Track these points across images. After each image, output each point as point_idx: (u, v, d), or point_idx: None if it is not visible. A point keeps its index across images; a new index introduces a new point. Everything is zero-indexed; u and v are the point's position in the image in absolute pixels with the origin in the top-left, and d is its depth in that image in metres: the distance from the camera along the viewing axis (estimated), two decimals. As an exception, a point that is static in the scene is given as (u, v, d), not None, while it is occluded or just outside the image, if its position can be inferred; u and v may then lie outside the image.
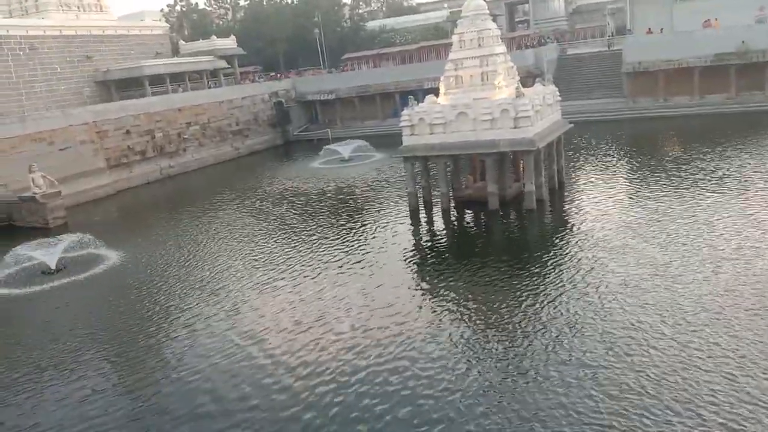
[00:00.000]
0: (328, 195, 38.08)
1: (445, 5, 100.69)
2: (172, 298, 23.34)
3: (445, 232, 28.56)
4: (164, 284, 24.98)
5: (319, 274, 23.85)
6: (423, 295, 20.96)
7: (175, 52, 76.11)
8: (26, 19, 60.17)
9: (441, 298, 20.34)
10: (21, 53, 56.10)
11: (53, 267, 27.80)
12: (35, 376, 18.14)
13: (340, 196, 37.34)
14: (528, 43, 67.32)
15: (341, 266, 24.36)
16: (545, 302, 18.84)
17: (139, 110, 51.84)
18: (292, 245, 28.07)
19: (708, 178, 30.73)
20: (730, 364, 14.34)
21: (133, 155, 50.25)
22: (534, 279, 20.79)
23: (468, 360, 15.98)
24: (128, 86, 64.09)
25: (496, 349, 16.38)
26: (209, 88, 68.13)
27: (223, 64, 74.00)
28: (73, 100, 59.71)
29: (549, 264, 22.14)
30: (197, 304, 22.29)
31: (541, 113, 29.55)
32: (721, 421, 12.43)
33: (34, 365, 18.84)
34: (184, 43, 79.00)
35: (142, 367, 18.05)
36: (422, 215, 30.79)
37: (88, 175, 45.59)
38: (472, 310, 19.04)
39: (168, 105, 55.09)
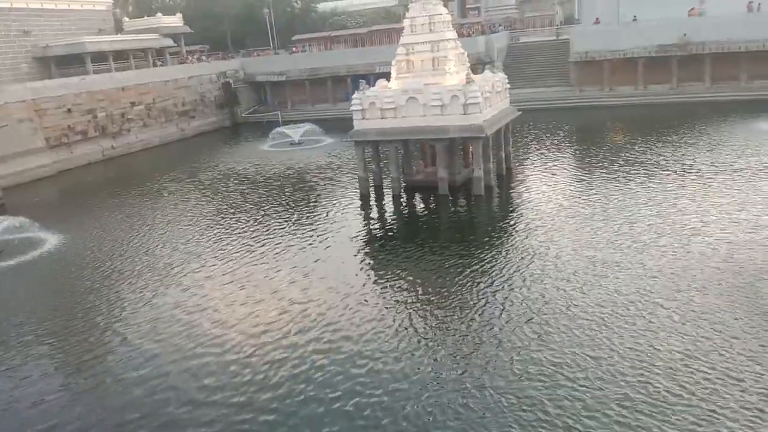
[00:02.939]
0: (277, 178, 37.69)
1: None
2: (114, 282, 22.76)
3: (395, 216, 28.73)
4: (106, 268, 24.31)
5: (266, 257, 23.66)
6: (371, 279, 21.04)
7: (119, 29, 73.62)
8: (-42, -10, 57.12)
9: (389, 282, 20.47)
10: (-48, 25, 53.27)
11: (-12, 250, 26.73)
12: (-31, 363, 17.48)
13: (290, 180, 37.01)
14: (478, 31, 67.84)
15: (289, 250, 24.22)
16: (492, 287, 19.21)
17: (82, 88, 49.98)
18: (239, 229, 27.72)
19: (650, 165, 31.83)
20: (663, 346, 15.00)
21: (74, 135, 48.47)
22: (482, 264, 21.16)
23: (413, 346, 16.11)
24: (69, 63, 61.64)
25: (442, 335, 16.60)
26: (154, 66, 66.15)
27: (169, 42, 72.01)
28: (10, 76, 57.07)
29: (496, 249, 22.59)
30: (139, 288, 21.81)
31: (490, 100, 29.92)
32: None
33: (-32, 352, 18.14)
34: (128, 19, 76.49)
35: (82, 352, 17.59)
36: (373, 200, 30.90)
37: (26, 154, 43.77)
38: (420, 295, 19.27)
39: (111, 84, 53.26)
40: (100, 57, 62.67)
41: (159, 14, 75.15)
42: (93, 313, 20.25)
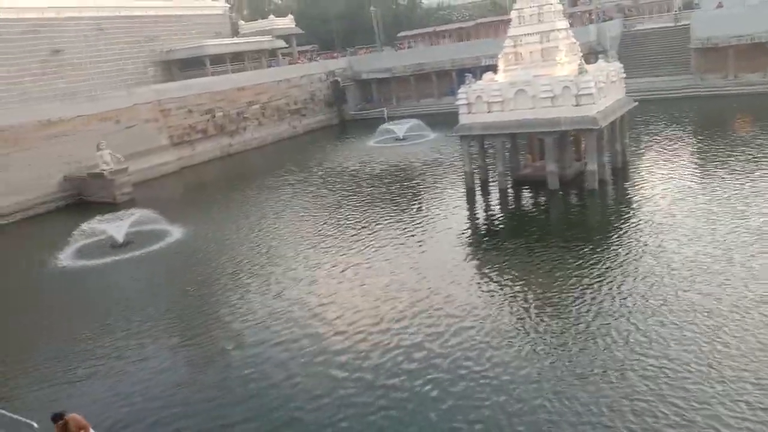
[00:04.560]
0: (383, 174, 38.18)
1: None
2: (232, 272, 23.99)
3: (501, 212, 28.25)
4: (224, 259, 25.70)
5: (374, 252, 24.04)
6: (478, 277, 20.81)
7: (234, 32, 77.26)
8: (95, 2, 62.07)
9: (497, 281, 20.18)
10: (91, 34, 58.09)
11: (121, 240, 28.97)
12: (106, 343, 19.06)
13: (395, 176, 37.38)
14: (590, 19, 65.20)
15: (395, 246, 24.44)
16: (607, 288, 18.36)
17: (202, 89, 53.09)
18: (348, 223, 28.35)
19: (782, 158, 29.32)
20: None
21: (195, 133, 51.57)
22: (596, 263, 20.31)
23: (521, 346, 15.80)
24: (190, 66, 65.54)
25: (552, 337, 16.14)
26: (268, 67, 68.93)
27: (281, 43, 74.72)
28: (138, 79, 61.53)
29: (611, 247, 21.62)
30: (255, 278, 22.87)
31: (604, 90, 28.70)
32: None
33: (104, 333, 19.79)
34: (243, 23, 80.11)
35: (203, 337, 18.71)
36: (478, 195, 30.54)
37: (152, 152, 47.09)
38: (529, 295, 18.78)
39: (229, 84, 56.18)
40: (218, 59, 66.14)
41: (272, 16, 78.21)
42: (213, 302, 21.48)
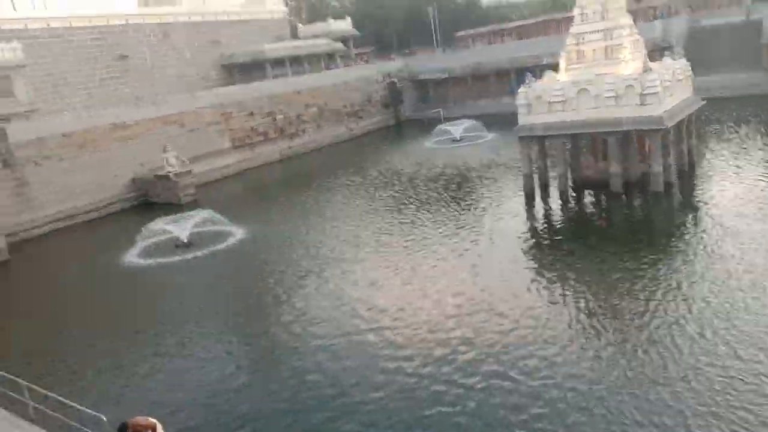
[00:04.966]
0: (440, 176, 37.99)
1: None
2: (292, 273, 24.35)
3: (562, 215, 27.66)
4: (284, 260, 26.13)
5: (430, 253, 23.96)
6: (536, 281, 20.40)
7: (294, 35, 78.47)
8: (160, 8, 64.30)
9: (556, 285, 19.76)
10: (155, 40, 60.15)
11: (185, 240, 29.84)
12: (169, 341, 19.66)
13: (452, 177, 37.14)
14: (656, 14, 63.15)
15: (453, 249, 24.29)
16: (674, 297, 17.66)
17: (263, 93, 54.17)
18: (405, 225, 28.34)
19: None
20: None
21: (255, 136, 52.66)
22: (660, 269, 19.63)
23: (580, 355, 15.42)
24: (251, 70, 66.96)
25: (615, 346, 15.67)
26: (327, 70, 69.70)
27: (339, 46, 75.43)
28: (201, 83, 63.27)
29: (676, 253, 20.86)
30: (315, 277, 23.14)
31: (670, 89, 27.72)
32: None
33: (168, 331, 20.42)
34: (302, 26, 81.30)
35: (264, 337, 19.06)
36: (538, 198, 29.98)
37: (215, 155, 48.35)
38: (591, 300, 18.31)
39: (288, 87, 57.12)
40: (278, 63, 67.32)
41: (330, 19, 79.06)
42: (274, 302, 21.86)
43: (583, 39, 29.11)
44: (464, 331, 17.24)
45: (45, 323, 23.05)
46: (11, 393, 14.06)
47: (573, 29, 29.59)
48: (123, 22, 57.47)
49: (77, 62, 53.55)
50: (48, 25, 51.62)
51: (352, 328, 18.48)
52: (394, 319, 18.66)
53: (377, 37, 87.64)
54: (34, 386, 13.72)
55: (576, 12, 29.65)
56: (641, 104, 26.32)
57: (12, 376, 14.13)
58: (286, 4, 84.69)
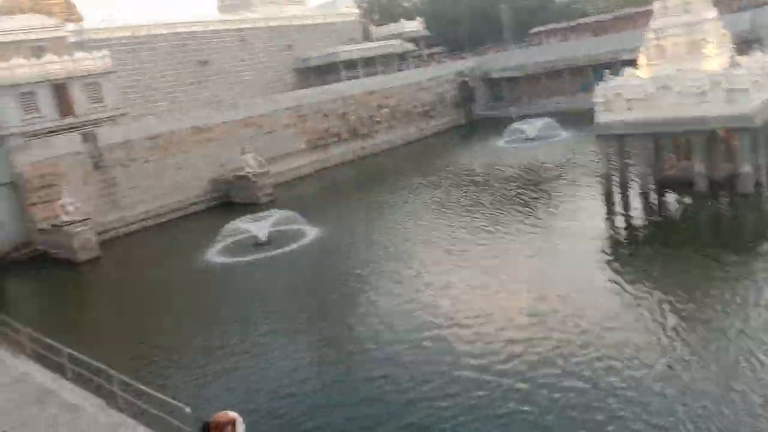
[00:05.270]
0: (513, 175, 37.54)
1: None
2: (366, 273, 24.71)
3: (643, 217, 26.77)
4: (358, 259, 26.56)
5: (503, 255, 23.78)
6: (616, 286, 19.84)
7: (366, 37, 79.27)
8: (238, 14, 66.46)
9: (636, 290, 19.15)
10: (234, 46, 62.22)
11: (263, 239, 30.78)
12: (247, 337, 20.38)
13: (526, 177, 36.62)
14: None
15: (528, 252, 23.96)
16: (760, 303, 16.86)
17: (336, 95, 55.10)
18: (478, 227, 28.18)
19: None
20: None
21: (330, 137, 53.61)
22: (752, 277, 18.68)
23: (667, 365, 14.91)
24: (325, 72, 68.17)
25: (701, 358, 15.08)
26: (399, 71, 70.08)
27: (410, 46, 75.65)
28: (277, 86, 64.95)
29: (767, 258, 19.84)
30: (387, 281, 23.37)
31: (760, 85, 26.35)
32: None
33: (246, 328, 21.17)
34: (374, 28, 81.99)
35: (339, 337, 19.44)
36: (617, 198, 29.09)
37: (291, 155, 49.60)
38: (673, 310, 17.51)
39: (361, 89, 57.82)
40: (350, 64, 68.24)
41: (401, 20, 79.41)
42: (348, 302, 22.24)
43: (664, 33, 28.09)
44: (538, 333, 17.05)
45: (132, 316, 24.42)
46: (102, 380, 15.00)
47: (653, 24, 28.61)
48: (203, 29, 59.73)
49: (161, 68, 56.09)
50: (134, 33, 54.34)
51: (425, 330, 18.58)
52: (466, 322, 18.63)
53: (449, 37, 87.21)
54: (122, 376, 14.60)
55: (656, 5, 28.66)
56: (728, 101, 25.15)
57: (103, 366, 15.09)
58: (358, 7, 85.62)
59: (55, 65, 41.76)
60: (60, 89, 41.82)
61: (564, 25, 74.35)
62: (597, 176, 31.09)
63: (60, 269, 33.44)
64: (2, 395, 15.25)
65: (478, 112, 67.35)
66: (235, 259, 29.10)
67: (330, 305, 22.02)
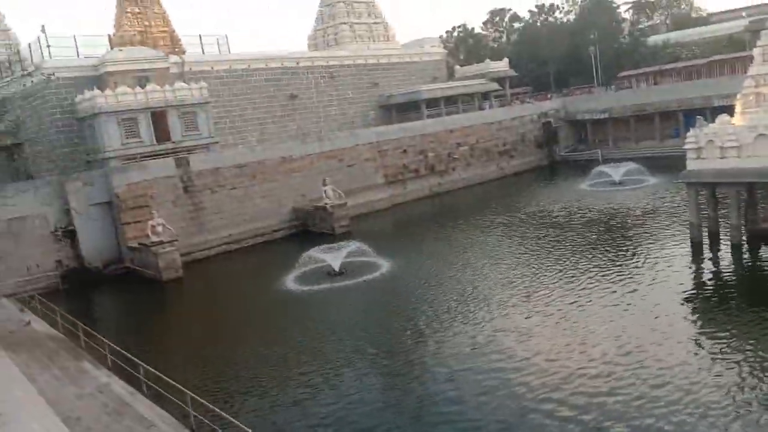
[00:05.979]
0: (597, 220, 36.47)
1: (743, 14, 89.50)
2: (440, 310, 24.46)
3: (733, 269, 25.34)
4: (431, 296, 26.37)
5: (581, 302, 22.95)
6: (698, 342, 18.77)
7: (450, 75, 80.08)
8: (327, 52, 68.82)
9: (717, 346, 18.07)
10: (322, 81, 64.33)
11: (337, 269, 31.22)
12: (319, 368, 20.55)
13: (610, 222, 35.49)
14: None
15: (608, 297, 23.11)
16: None
17: (416, 132, 55.71)
18: (555, 269, 27.46)
19: None
20: None
21: (407, 173, 54.11)
22: None
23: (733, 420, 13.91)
24: (407, 109, 69.18)
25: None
26: (480, 109, 70.19)
27: (494, 86, 75.76)
28: (360, 122, 66.42)
29: None
30: (460, 320, 23.04)
31: None
32: None
33: (319, 359, 21.37)
34: (459, 67, 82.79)
35: (409, 371, 19.28)
36: (706, 250, 27.71)
37: (369, 189, 50.36)
38: (753, 374, 16.26)
39: (441, 126, 58.22)
40: (432, 102, 68.98)
41: (487, 60, 79.84)
42: (419, 339, 22.05)
43: (764, 81, 26.83)
44: (611, 382, 16.33)
45: (209, 337, 25.19)
46: (177, 400, 15.53)
47: (752, 70, 27.40)
48: (295, 65, 62.16)
49: (253, 100, 58.62)
50: (230, 67, 57.22)
51: (495, 371, 18.18)
52: (539, 366, 18.08)
53: (535, 77, 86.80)
54: (198, 397, 15.05)
55: (756, 52, 27.46)
56: (834, 152, 23.62)
57: (178, 385, 15.64)
58: (444, 46, 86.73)
59: (156, 94, 44.57)
60: (159, 116, 44.49)
61: (655, 68, 72.43)
62: (685, 225, 29.74)
63: (146, 286, 35.13)
64: (83, 403, 16.08)
65: (560, 154, 66.25)
66: (310, 288, 29.59)
67: (400, 342, 21.89)
